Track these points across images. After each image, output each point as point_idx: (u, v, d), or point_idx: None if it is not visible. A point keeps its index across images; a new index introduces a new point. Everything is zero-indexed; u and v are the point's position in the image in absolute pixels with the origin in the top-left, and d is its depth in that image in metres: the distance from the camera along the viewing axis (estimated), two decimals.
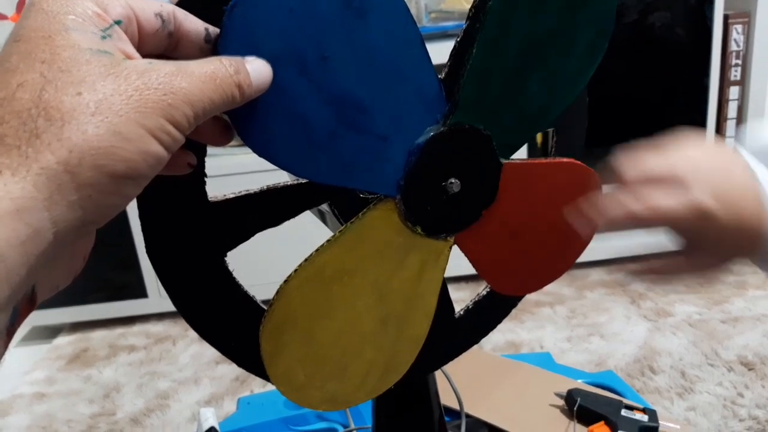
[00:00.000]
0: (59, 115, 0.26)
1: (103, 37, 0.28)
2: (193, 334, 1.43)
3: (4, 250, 0.24)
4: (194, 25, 0.33)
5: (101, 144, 0.26)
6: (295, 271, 0.42)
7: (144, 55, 0.31)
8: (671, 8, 1.47)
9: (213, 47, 0.33)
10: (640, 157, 0.43)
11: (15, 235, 0.25)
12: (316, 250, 0.43)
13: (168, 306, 1.44)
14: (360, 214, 0.45)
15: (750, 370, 1.10)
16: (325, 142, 0.39)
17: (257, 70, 0.33)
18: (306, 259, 0.43)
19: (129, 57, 0.29)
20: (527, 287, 0.55)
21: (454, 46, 0.44)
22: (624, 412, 0.79)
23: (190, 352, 1.34)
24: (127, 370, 1.30)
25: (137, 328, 1.46)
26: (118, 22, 0.29)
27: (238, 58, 0.32)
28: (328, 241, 0.44)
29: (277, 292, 0.42)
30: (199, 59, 0.31)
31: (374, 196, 0.43)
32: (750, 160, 0.41)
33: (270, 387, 1.16)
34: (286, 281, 0.42)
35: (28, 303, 0.28)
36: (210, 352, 1.32)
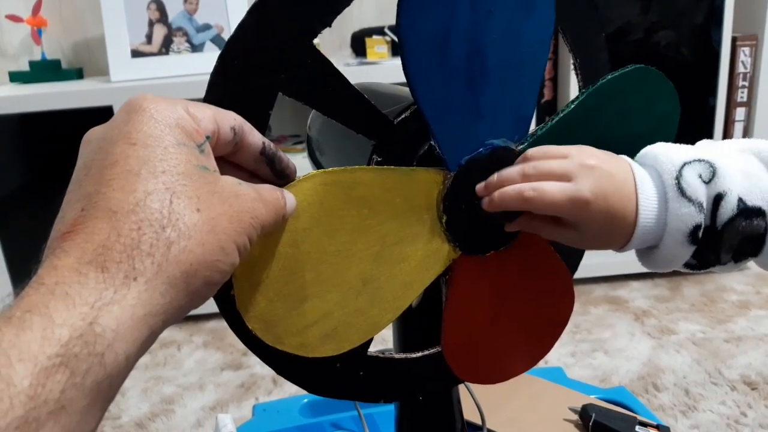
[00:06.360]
0: (185, 228, 0.29)
1: (201, 152, 0.32)
2: (197, 339, 1.43)
3: (131, 351, 0.27)
4: (255, 138, 0.37)
5: (211, 258, 0.30)
6: (325, 170, 0.41)
7: None
8: (677, 28, 1.49)
9: (267, 160, 0.38)
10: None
11: (140, 337, 0.27)
12: (357, 166, 0.43)
13: None
14: (414, 165, 0.46)
15: (753, 389, 1.11)
16: (448, 73, 0.42)
17: (291, 201, 0.38)
18: (342, 168, 0.42)
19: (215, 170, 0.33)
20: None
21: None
22: (638, 429, 0.80)
23: (195, 357, 1.34)
24: (132, 374, 1.28)
25: None
26: (208, 138, 0.33)
27: (287, 192, 0.38)
28: (369, 162, 0.45)
29: (299, 180, 0.40)
30: (266, 186, 0.36)
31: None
32: (634, 165, 0.45)
33: (279, 394, 1.16)
34: (312, 175, 0.40)
35: None
36: (214, 357, 1.32)
